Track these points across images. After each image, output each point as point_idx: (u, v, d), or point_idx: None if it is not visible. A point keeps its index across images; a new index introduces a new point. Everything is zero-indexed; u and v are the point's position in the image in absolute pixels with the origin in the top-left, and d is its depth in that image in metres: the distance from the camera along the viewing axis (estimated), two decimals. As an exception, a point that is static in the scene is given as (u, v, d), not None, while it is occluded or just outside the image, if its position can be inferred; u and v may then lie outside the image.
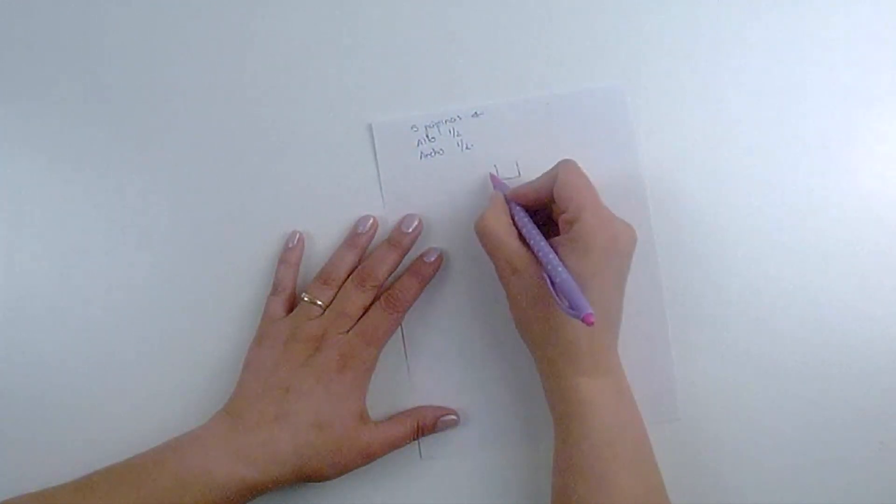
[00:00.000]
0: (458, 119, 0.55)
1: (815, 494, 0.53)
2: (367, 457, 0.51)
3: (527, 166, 0.54)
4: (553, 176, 0.49)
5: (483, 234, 0.49)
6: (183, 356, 0.55)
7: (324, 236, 0.55)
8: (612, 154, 0.54)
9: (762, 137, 0.55)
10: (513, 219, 0.50)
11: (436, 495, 0.54)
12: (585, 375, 0.47)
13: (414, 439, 0.53)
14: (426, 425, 0.53)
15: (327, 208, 0.55)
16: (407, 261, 0.54)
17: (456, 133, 0.55)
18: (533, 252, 0.48)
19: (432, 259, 0.54)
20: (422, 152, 0.55)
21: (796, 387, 0.53)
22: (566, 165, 0.49)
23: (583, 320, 0.42)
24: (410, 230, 0.54)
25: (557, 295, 0.45)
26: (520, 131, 0.55)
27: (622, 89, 0.55)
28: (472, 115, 0.55)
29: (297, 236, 0.55)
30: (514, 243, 0.48)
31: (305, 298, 0.52)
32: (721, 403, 0.54)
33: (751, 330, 0.54)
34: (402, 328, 0.54)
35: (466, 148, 0.55)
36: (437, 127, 0.55)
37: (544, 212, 0.51)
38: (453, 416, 0.54)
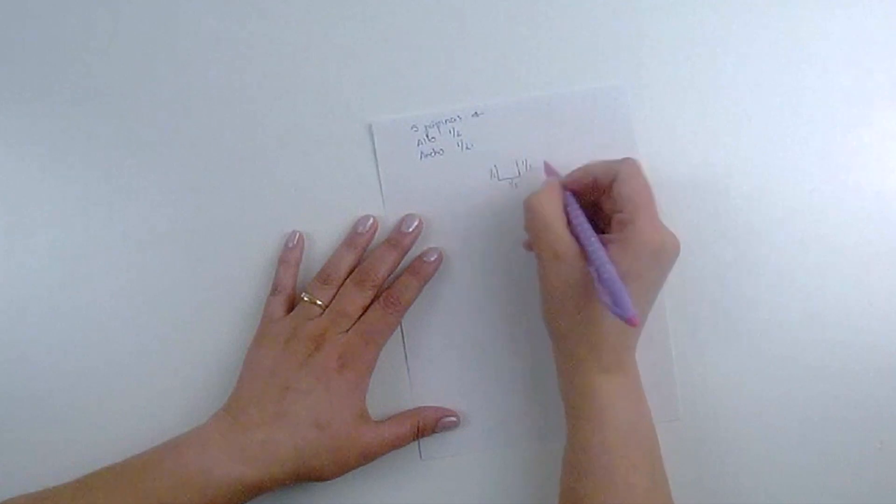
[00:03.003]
0: (458, 119, 0.55)
1: (816, 494, 0.53)
2: (367, 457, 0.51)
3: (527, 166, 0.55)
4: (613, 169, 0.48)
5: (532, 213, 0.48)
6: (183, 356, 0.55)
7: (324, 236, 0.55)
8: (612, 154, 0.54)
9: (762, 137, 0.55)
10: (565, 209, 0.49)
11: (436, 495, 0.54)
12: (606, 373, 0.47)
13: (414, 440, 0.53)
14: (426, 426, 0.53)
15: (327, 208, 0.55)
16: (407, 261, 0.54)
17: (456, 133, 0.55)
18: (580, 243, 0.47)
19: (432, 259, 0.54)
20: (422, 152, 0.55)
21: (796, 386, 0.53)
22: (630, 164, 0.48)
23: (627, 321, 0.42)
24: (410, 230, 0.54)
25: (602, 291, 0.45)
26: (520, 131, 0.55)
27: (622, 89, 0.55)
28: (473, 115, 0.55)
29: (297, 236, 0.55)
30: (562, 229, 0.48)
31: (305, 298, 0.52)
32: (721, 403, 0.54)
33: (750, 329, 0.54)
34: (402, 328, 0.54)
35: (466, 148, 0.55)
36: (438, 127, 0.55)
37: (591, 205, 0.51)
38: (454, 418, 0.54)
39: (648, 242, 0.46)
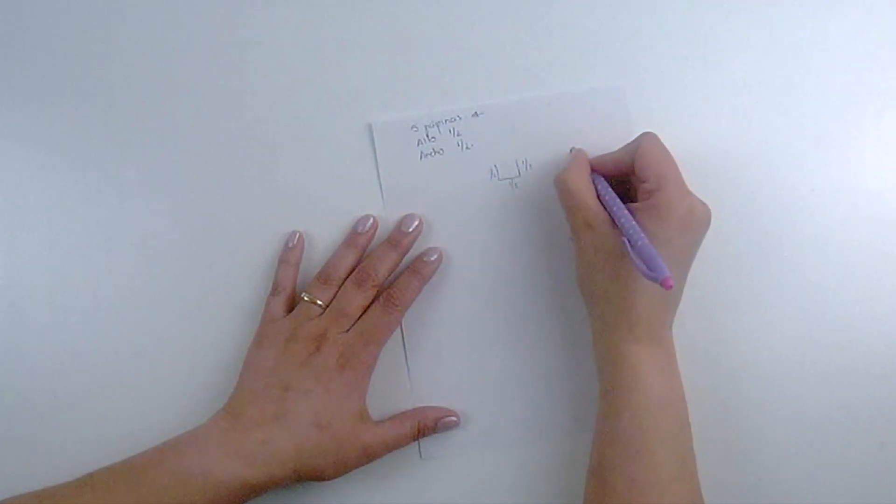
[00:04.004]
0: (458, 119, 0.55)
1: (816, 494, 0.53)
2: (367, 457, 0.51)
3: (527, 166, 0.55)
4: (634, 148, 0.50)
5: (562, 188, 0.50)
6: (183, 356, 0.54)
7: (324, 236, 0.55)
8: (612, 154, 0.54)
9: (762, 137, 0.55)
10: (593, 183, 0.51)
11: (436, 495, 0.54)
12: (638, 343, 0.47)
13: (414, 440, 0.53)
14: (426, 426, 0.53)
15: (327, 208, 0.55)
16: (407, 261, 0.54)
17: (456, 133, 0.55)
18: (609, 213, 0.48)
19: (432, 259, 0.54)
20: (422, 152, 0.55)
21: (796, 387, 0.53)
22: (649, 137, 0.49)
23: (661, 283, 0.42)
24: (410, 230, 0.54)
25: (635, 257, 0.45)
26: (520, 131, 0.55)
27: (622, 89, 0.55)
28: (473, 115, 0.55)
29: (297, 236, 0.55)
30: (592, 200, 0.49)
31: (305, 298, 0.52)
32: (720, 403, 0.54)
33: (750, 329, 0.54)
34: (401, 328, 0.54)
35: (466, 148, 0.55)
36: (438, 127, 0.55)
37: (619, 186, 0.51)
38: (454, 418, 0.54)
39: (676, 207, 0.47)
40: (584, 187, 0.50)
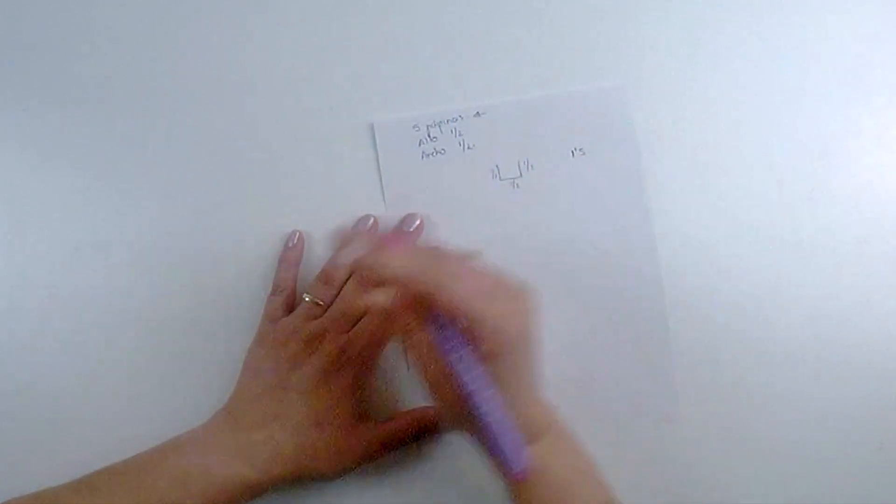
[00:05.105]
0: (459, 119, 0.55)
1: (816, 495, 0.53)
2: (367, 457, 0.51)
3: (528, 166, 0.55)
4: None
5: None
6: (183, 356, 0.54)
7: (324, 236, 0.55)
8: (613, 154, 0.54)
9: (762, 137, 0.55)
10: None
11: (436, 495, 0.54)
12: (532, 443, 0.44)
13: (414, 440, 0.53)
14: (427, 426, 0.53)
15: (328, 208, 0.55)
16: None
17: (458, 133, 0.55)
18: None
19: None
20: (423, 152, 0.55)
21: (796, 387, 0.54)
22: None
23: (514, 477, 0.42)
24: (411, 230, 0.54)
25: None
26: (521, 131, 0.55)
27: (622, 89, 0.55)
28: (474, 115, 0.55)
29: (297, 236, 0.54)
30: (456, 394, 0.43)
31: (306, 298, 0.52)
32: (720, 403, 0.54)
33: (750, 330, 0.54)
34: (402, 328, 0.54)
35: (468, 148, 0.55)
36: (439, 126, 0.55)
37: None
38: (453, 418, 0.53)
39: (487, 337, 0.42)
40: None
